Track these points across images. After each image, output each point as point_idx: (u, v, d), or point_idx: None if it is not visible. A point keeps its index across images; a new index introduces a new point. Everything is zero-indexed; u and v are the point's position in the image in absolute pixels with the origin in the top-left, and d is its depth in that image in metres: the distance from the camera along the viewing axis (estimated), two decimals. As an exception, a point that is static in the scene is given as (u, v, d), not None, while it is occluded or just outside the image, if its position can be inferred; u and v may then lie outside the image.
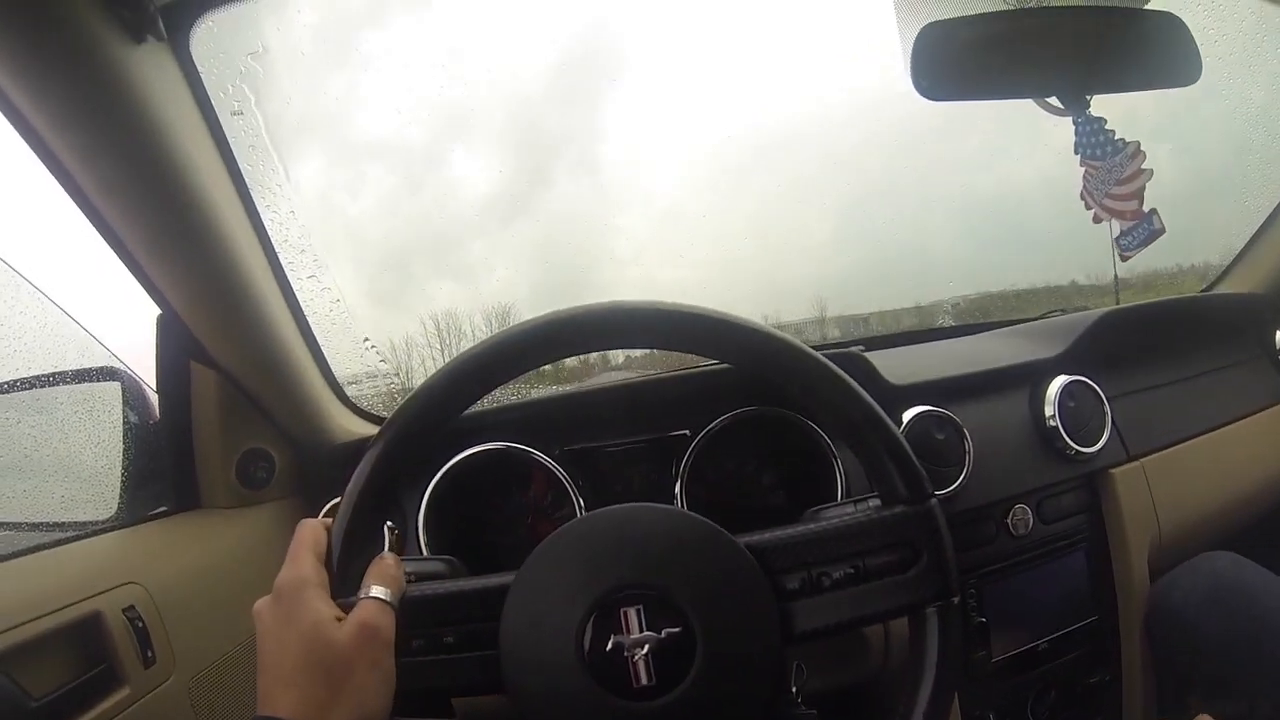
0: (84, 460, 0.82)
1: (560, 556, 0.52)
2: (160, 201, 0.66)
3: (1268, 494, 1.04)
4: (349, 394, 0.97)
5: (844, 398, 0.53)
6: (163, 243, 0.70)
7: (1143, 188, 0.84)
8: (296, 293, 0.83)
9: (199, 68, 0.67)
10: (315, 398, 0.88)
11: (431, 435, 0.52)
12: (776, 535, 0.53)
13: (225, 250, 0.72)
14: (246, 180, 0.75)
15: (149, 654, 0.67)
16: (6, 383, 0.76)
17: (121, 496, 0.80)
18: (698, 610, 0.49)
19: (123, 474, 0.80)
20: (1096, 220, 0.75)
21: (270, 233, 0.78)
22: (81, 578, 0.66)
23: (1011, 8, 0.69)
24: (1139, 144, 0.73)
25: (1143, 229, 0.76)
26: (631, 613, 0.49)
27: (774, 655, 0.50)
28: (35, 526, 0.77)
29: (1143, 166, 0.82)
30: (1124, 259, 0.78)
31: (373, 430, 0.98)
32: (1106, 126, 0.74)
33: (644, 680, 0.48)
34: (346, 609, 0.48)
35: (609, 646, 0.49)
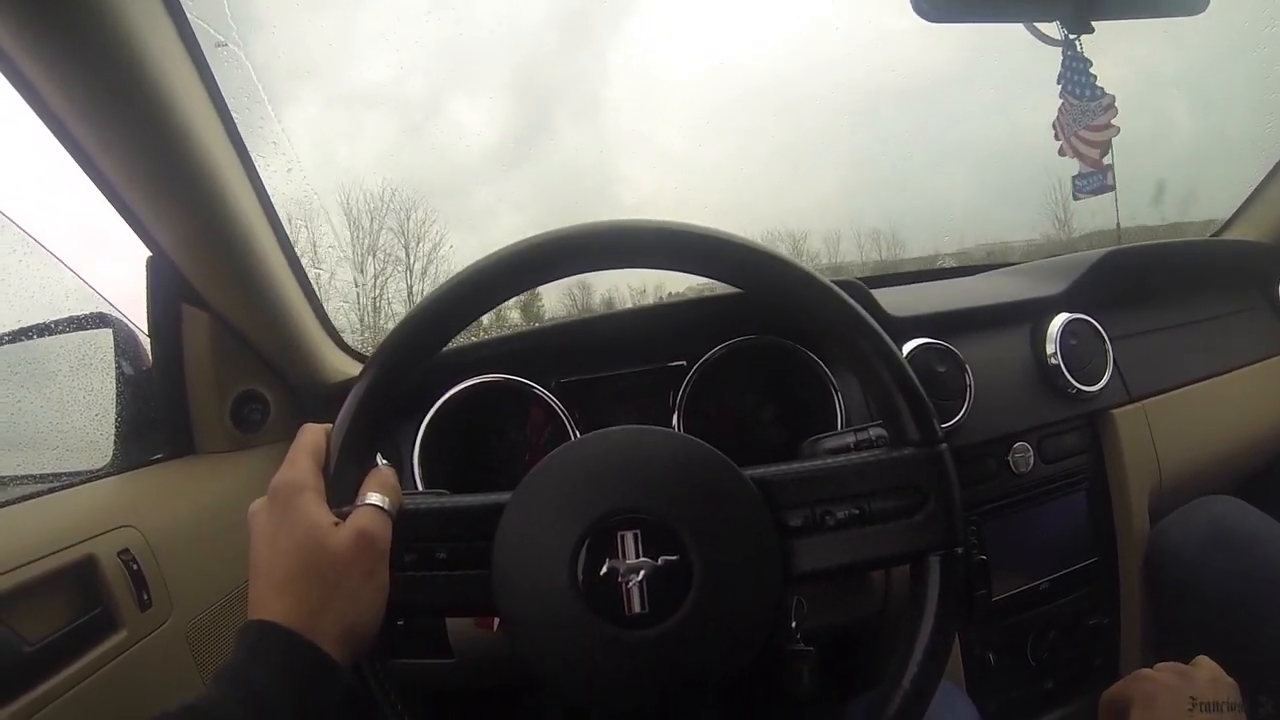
0: (78, 410, 0.81)
1: (558, 477, 0.50)
2: (147, 140, 0.64)
3: (1268, 443, 1.04)
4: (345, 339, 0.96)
5: (855, 328, 0.50)
6: (151, 182, 0.68)
7: (1109, 141, 0.83)
8: (289, 234, 0.81)
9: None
10: (309, 338, 0.87)
11: (431, 340, 0.51)
12: (781, 470, 0.51)
13: (215, 189, 0.70)
14: (236, 120, 0.74)
15: (145, 597, 0.66)
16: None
17: (116, 444, 0.79)
18: (697, 540, 0.48)
19: (117, 421, 0.79)
20: (1061, 153, 0.75)
21: (261, 173, 0.77)
22: (75, 522, 0.65)
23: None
24: (1114, 98, 0.72)
25: (1097, 178, 0.76)
26: (628, 537, 0.48)
27: (772, 593, 0.48)
28: (30, 478, 0.76)
29: (1113, 122, 0.81)
30: (1075, 199, 0.78)
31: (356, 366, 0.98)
32: (1091, 69, 0.73)
33: (637, 608, 0.47)
34: (343, 517, 0.47)
35: (603, 571, 0.47)
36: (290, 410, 0.88)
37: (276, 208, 0.80)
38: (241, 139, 0.74)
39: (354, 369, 0.94)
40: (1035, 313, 0.92)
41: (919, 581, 0.50)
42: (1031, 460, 0.88)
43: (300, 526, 0.45)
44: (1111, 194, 0.99)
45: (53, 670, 0.58)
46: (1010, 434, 0.87)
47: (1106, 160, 0.87)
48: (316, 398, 0.89)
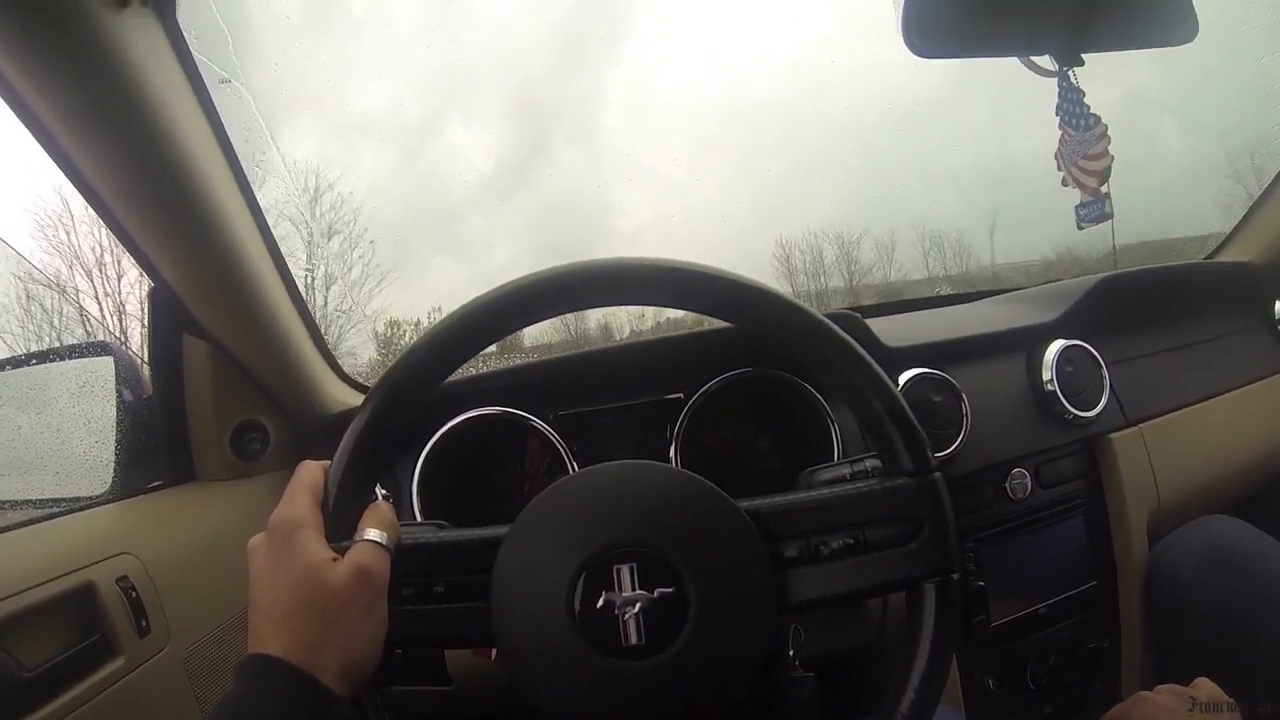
0: (78, 437, 0.82)
1: (555, 511, 0.51)
2: (150, 173, 0.65)
3: (1267, 463, 1.04)
4: (344, 366, 0.97)
5: (847, 361, 0.51)
6: (153, 214, 0.70)
7: (1107, 169, 0.84)
8: (289, 265, 0.82)
9: (185, 35, 0.66)
10: (309, 369, 0.88)
11: (432, 375, 0.51)
12: (776, 501, 0.52)
13: (216, 222, 0.71)
14: (237, 152, 0.75)
15: (143, 624, 0.67)
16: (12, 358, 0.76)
17: (116, 471, 0.79)
18: (692, 572, 0.48)
19: (116, 449, 0.80)
20: (1064, 184, 0.75)
21: (262, 204, 0.78)
22: (74, 549, 0.65)
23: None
24: (1106, 127, 0.73)
25: (1097, 207, 0.77)
26: (624, 570, 0.48)
27: (768, 623, 0.49)
28: (29, 503, 0.77)
29: (1109, 150, 0.82)
30: (1079, 228, 0.79)
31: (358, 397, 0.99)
32: (1085, 99, 0.74)
33: (634, 639, 0.47)
34: (341, 553, 0.47)
35: (600, 604, 0.48)
36: (290, 440, 0.89)
37: (277, 239, 0.81)
38: (243, 171, 0.75)
39: (355, 399, 0.95)
40: (1031, 340, 0.93)
41: (915, 608, 0.50)
42: (1029, 486, 0.88)
43: (299, 563, 0.46)
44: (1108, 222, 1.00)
45: (50, 696, 0.58)
46: (1007, 461, 0.88)
47: (1104, 189, 0.88)
48: (316, 428, 0.89)
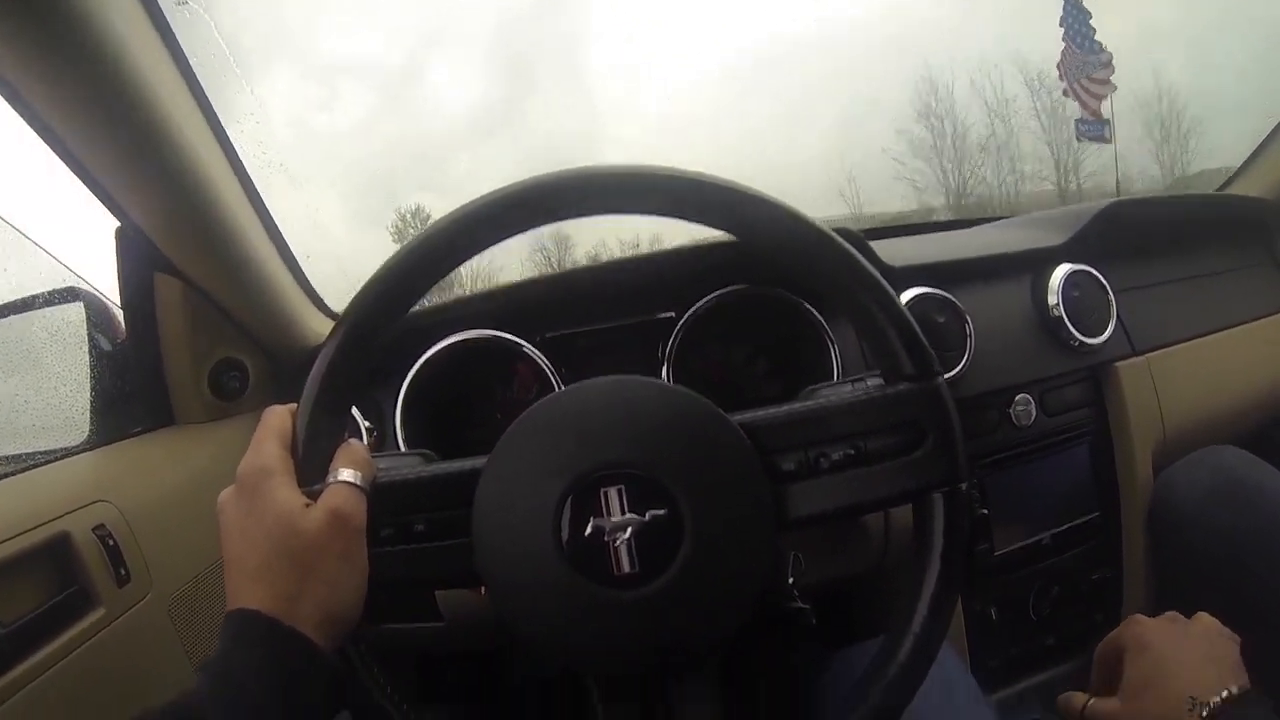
0: (50, 387, 0.79)
1: (535, 434, 0.48)
2: (108, 105, 0.61)
3: (1271, 398, 1.03)
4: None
5: (847, 269, 0.48)
6: (115, 149, 0.65)
7: (1107, 95, 0.81)
8: (264, 197, 0.79)
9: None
10: (288, 302, 0.85)
11: (400, 300, 0.48)
12: (771, 413, 0.49)
13: (184, 156, 0.67)
14: (203, 84, 0.71)
15: (122, 572, 0.65)
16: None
17: (92, 419, 0.77)
18: (685, 491, 0.46)
19: (92, 396, 0.77)
20: (1065, 94, 0.71)
21: (231, 135, 0.74)
22: (48, 500, 0.63)
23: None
24: (1112, 56, 0.70)
25: (1096, 126, 0.73)
26: (612, 493, 0.46)
27: (767, 542, 0.47)
28: (4, 459, 0.74)
29: (1111, 79, 0.78)
30: (1077, 140, 0.75)
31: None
32: (1091, 21, 0.70)
33: (626, 567, 0.45)
34: (314, 497, 0.45)
35: (588, 531, 0.45)
36: (270, 376, 0.86)
37: (251, 171, 0.77)
38: (209, 103, 0.71)
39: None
40: (1036, 263, 0.91)
41: (923, 522, 0.48)
42: (1033, 413, 0.86)
43: (269, 512, 0.44)
44: (1113, 151, 0.97)
45: (29, 650, 0.56)
46: (1012, 386, 0.86)
47: (1105, 114, 0.85)
48: (296, 363, 0.86)
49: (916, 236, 1.08)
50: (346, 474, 0.46)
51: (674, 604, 0.45)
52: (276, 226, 0.83)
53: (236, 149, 0.75)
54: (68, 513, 0.62)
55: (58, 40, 0.55)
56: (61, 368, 0.78)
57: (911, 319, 0.48)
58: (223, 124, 0.74)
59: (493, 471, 0.48)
